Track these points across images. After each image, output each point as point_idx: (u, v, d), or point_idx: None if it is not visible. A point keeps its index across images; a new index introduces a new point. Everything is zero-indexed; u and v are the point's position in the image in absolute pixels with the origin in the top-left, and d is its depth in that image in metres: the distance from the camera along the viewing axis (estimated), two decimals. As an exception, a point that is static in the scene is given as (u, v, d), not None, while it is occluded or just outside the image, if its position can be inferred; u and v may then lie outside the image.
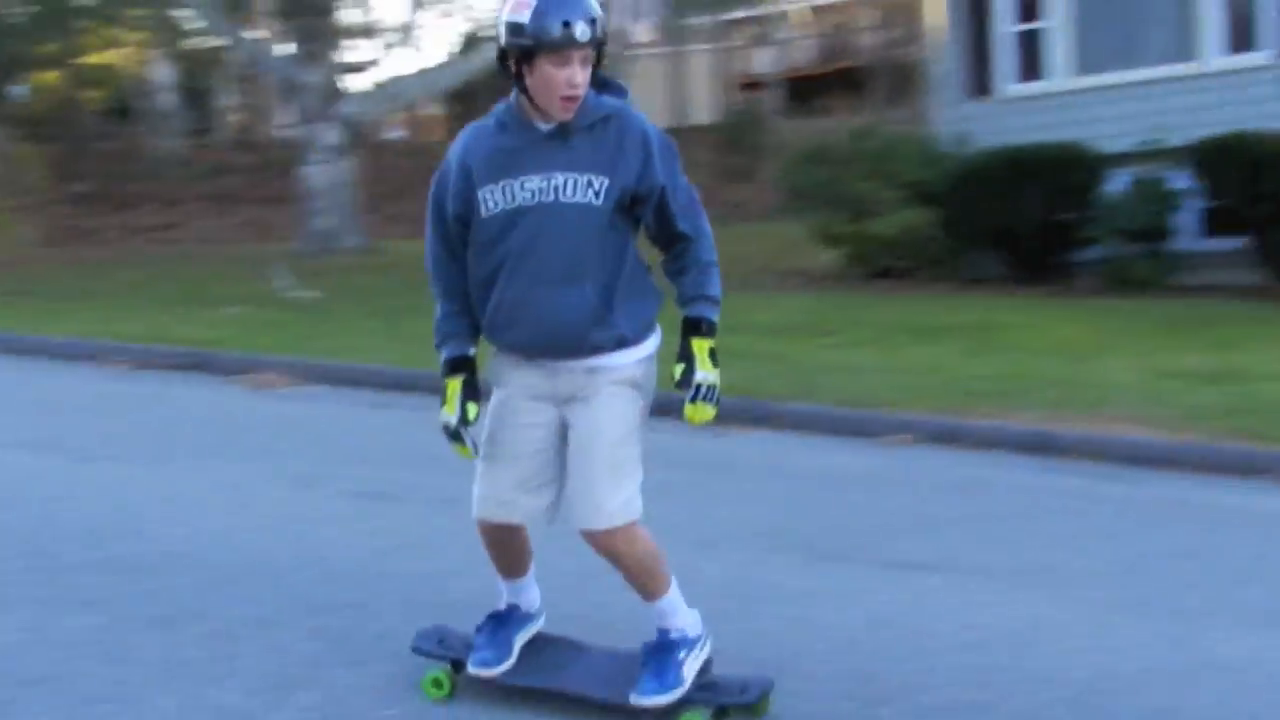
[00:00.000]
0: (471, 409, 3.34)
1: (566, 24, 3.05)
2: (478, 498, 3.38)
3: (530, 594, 3.61)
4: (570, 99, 3.13)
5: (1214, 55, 12.88)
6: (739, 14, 31.15)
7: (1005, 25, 14.03)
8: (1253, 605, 4.56)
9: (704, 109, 28.93)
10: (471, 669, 3.47)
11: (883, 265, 14.05)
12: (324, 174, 17.84)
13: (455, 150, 3.31)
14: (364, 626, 4.03)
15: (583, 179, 3.18)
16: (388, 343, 9.68)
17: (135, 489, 5.85)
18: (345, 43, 21.67)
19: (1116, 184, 12.56)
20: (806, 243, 14.88)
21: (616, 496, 3.26)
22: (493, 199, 3.22)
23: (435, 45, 56.18)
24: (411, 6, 24.43)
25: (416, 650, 3.58)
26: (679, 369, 3.30)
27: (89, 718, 3.40)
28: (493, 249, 3.24)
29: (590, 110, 3.18)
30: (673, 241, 3.32)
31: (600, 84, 3.23)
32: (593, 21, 3.08)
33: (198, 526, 5.17)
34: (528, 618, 3.59)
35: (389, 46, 23.77)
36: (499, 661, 3.47)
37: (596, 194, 3.18)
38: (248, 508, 5.54)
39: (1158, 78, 13.03)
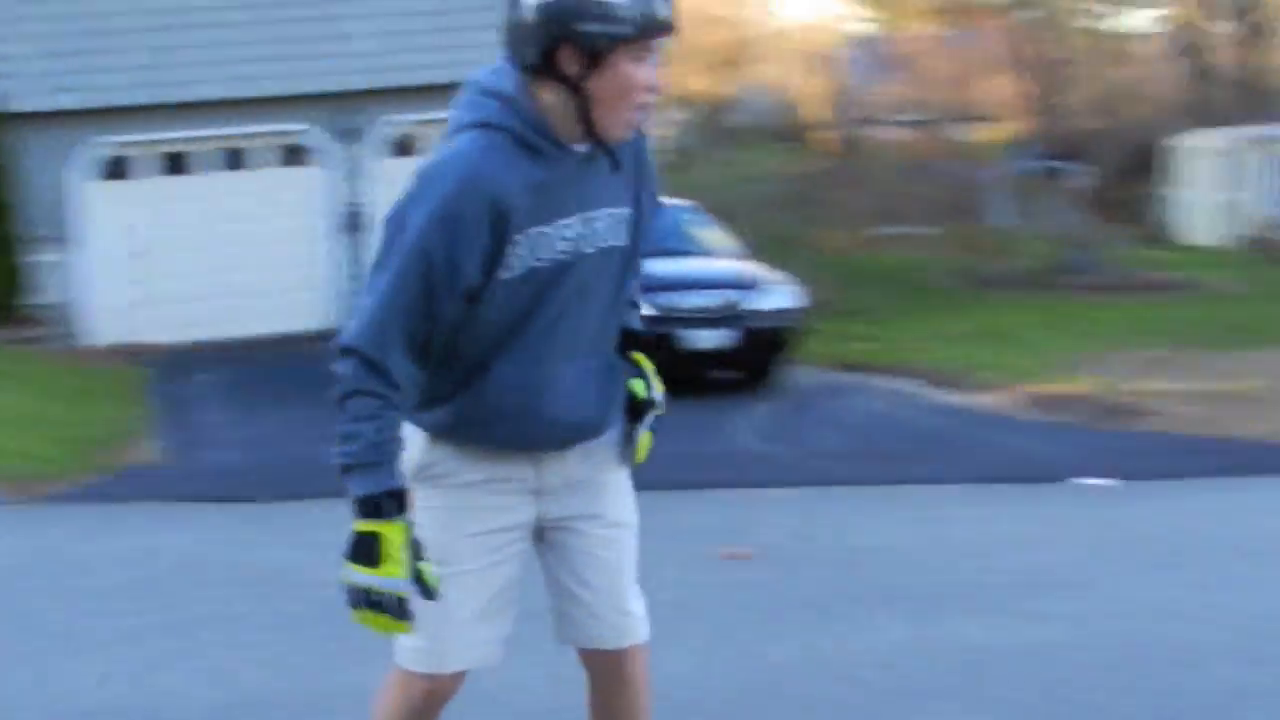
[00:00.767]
0: (426, 569, 2.30)
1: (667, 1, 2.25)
2: (418, 649, 2.45)
3: None
4: (646, 107, 2.31)
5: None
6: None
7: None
8: None
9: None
10: None
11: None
12: None
13: (478, 187, 2.24)
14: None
15: (617, 214, 2.40)
16: None
17: None
18: None
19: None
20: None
21: (640, 600, 2.61)
22: (517, 254, 2.31)
23: None
24: None
25: None
26: (639, 384, 2.54)
27: None
28: (500, 321, 2.34)
29: None
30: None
31: None
32: None
33: None
34: None
35: None
36: None
37: (627, 232, 2.42)
38: None
39: None
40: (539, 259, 2.31)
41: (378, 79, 13.49)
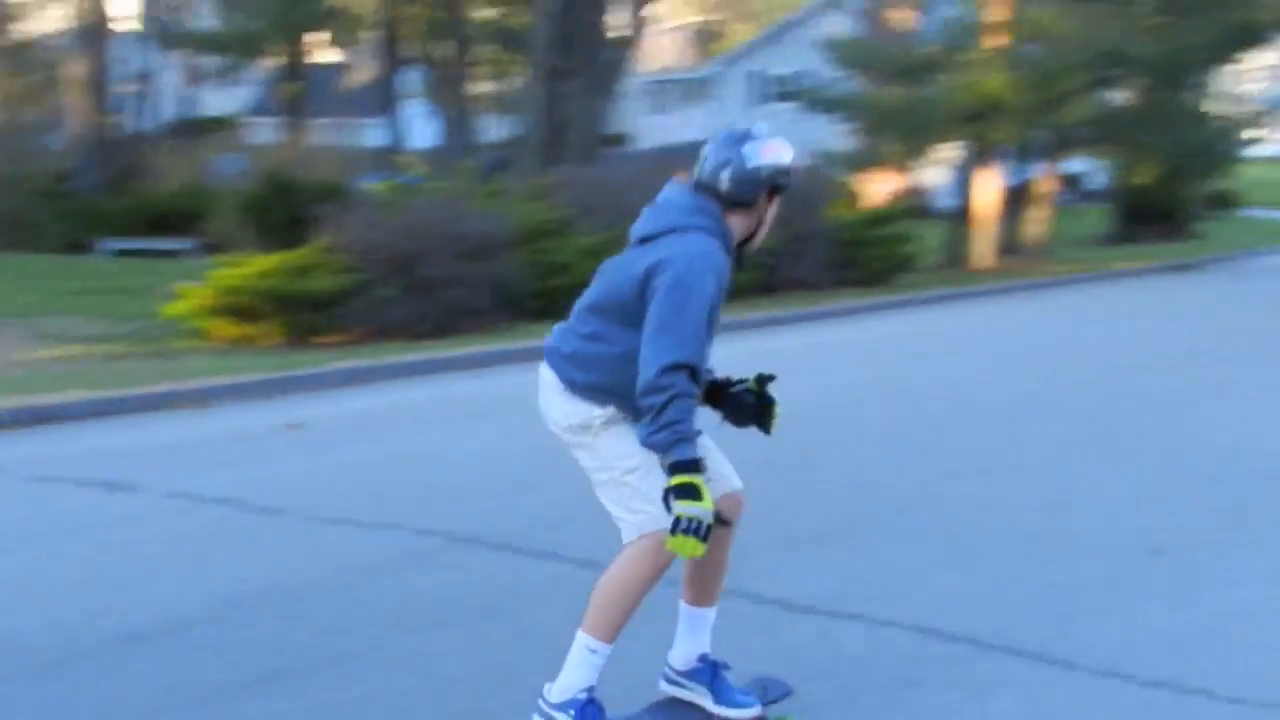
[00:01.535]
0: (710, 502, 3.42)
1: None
2: (659, 515, 3.48)
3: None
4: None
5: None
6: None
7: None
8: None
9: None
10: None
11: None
12: None
13: (716, 268, 3.49)
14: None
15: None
16: None
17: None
18: None
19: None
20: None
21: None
22: (715, 302, 3.55)
23: None
24: None
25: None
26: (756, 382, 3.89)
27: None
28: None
29: None
30: None
31: None
32: None
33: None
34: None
35: None
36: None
37: None
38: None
39: None
40: (715, 303, 3.52)
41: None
